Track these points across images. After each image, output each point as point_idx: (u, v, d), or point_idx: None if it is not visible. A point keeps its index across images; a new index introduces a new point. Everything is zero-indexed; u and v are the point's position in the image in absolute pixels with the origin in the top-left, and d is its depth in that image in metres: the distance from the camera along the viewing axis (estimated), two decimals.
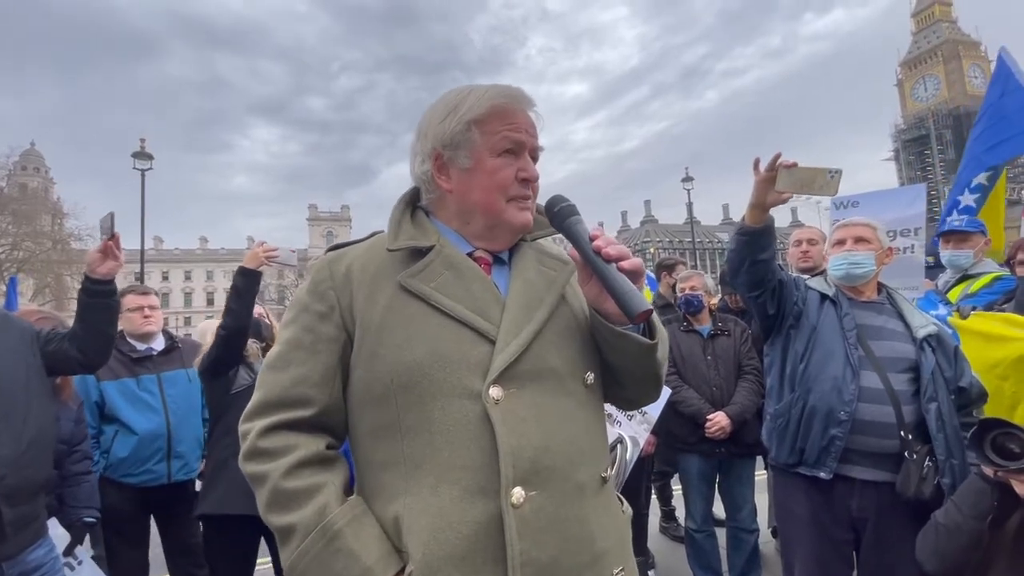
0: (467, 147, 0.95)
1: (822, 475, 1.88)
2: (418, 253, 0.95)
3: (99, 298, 1.71)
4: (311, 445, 0.90)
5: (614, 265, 0.89)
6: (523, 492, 0.82)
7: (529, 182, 0.98)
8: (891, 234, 2.87)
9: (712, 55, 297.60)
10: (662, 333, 0.99)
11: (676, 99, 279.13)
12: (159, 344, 2.85)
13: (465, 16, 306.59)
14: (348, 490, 0.92)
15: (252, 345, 2.71)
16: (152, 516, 2.76)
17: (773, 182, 1.70)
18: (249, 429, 0.92)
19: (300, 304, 0.97)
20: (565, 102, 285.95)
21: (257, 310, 2.88)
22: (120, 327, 2.77)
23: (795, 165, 1.66)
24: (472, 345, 0.87)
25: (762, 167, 1.74)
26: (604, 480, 0.96)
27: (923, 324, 1.96)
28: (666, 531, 4.16)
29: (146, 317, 2.79)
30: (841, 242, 2.11)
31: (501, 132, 0.94)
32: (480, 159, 0.95)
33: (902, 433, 1.80)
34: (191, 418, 2.80)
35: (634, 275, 0.89)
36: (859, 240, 2.08)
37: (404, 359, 0.87)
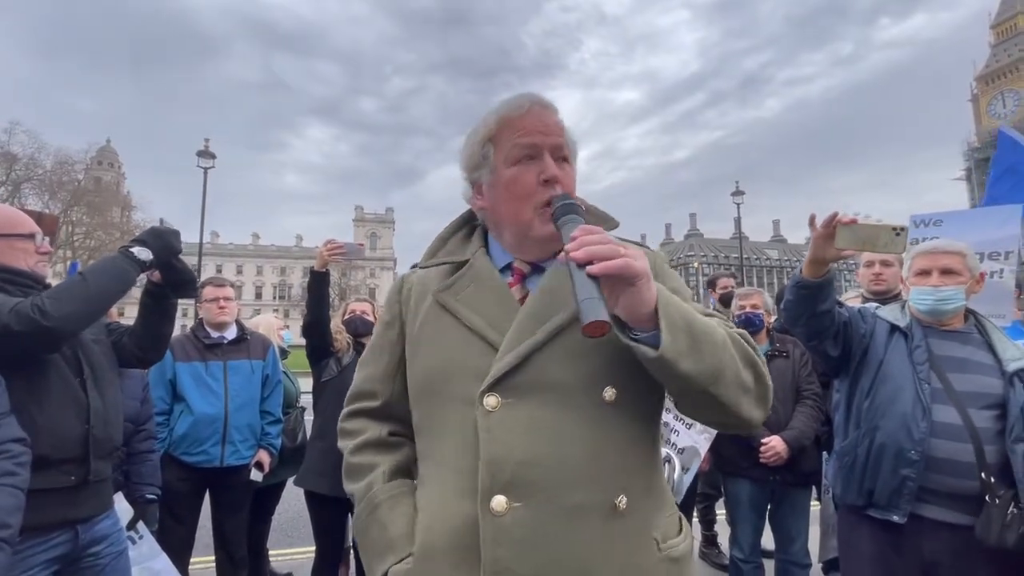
0: (486, 165, 1.01)
1: (895, 519, 1.77)
2: (457, 268, 1.03)
3: (159, 300, 1.84)
4: (375, 430, 1.06)
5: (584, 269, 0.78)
6: (506, 501, 0.83)
7: (551, 183, 0.96)
8: (977, 256, 2.66)
9: (776, 62, 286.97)
10: (691, 344, 0.81)
11: (733, 108, 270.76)
12: (231, 333, 3.00)
13: (519, 20, 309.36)
14: (406, 471, 1.03)
15: (343, 340, 2.85)
16: (209, 498, 2.88)
17: (832, 238, 1.60)
18: (343, 413, 1.12)
19: (380, 315, 1.16)
20: (616, 108, 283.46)
21: (361, 307, 3.02)
22: (200, 315, 3.02)
23: (854, 222, 1.56)
24: (480, 355, 0.91)
25: (818, 223, 1.64)
26: (620, 508, 0.86)
27: (1016, 357, 1.80)
28: (706, 557, 3.99)
29: (221, 308, 2.96)
30: (926, 273, 1.93)
31: (512, 141, 0.98)
32: (498, 173, 0.99)
33: (983, 474, 1.66)
34: (249, 407, 2.91)
35: (616, 280, 0.77)
36: (946, 272, 1.90)
37: (425, 366, 0.98)
